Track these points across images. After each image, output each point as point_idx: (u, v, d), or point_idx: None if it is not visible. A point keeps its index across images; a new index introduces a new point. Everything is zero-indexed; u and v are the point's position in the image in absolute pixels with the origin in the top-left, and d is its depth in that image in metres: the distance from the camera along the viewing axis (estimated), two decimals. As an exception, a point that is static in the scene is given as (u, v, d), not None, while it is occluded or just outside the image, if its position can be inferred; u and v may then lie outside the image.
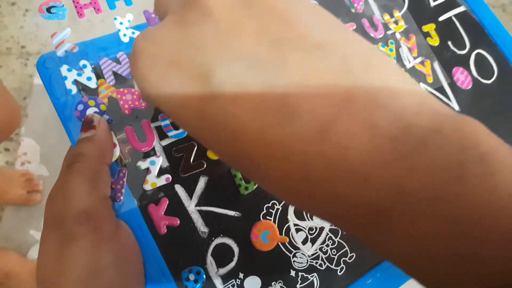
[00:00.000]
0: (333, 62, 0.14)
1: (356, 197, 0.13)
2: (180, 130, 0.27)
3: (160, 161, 0.26)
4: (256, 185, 0.27)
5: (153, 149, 0.26)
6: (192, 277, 0.24)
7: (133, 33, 0.29)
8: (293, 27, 0.15)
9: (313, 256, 0.26)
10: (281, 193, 0.16)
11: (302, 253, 0.26)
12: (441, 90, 0.34)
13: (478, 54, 0.36)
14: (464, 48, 0.36)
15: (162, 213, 0.25)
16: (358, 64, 0.15)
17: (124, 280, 0.21)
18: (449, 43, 0.36)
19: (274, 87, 0.14)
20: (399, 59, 0.34)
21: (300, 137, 0.14)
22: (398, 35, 0.35)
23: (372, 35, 0.34)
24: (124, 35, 0.29)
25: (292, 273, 0.26)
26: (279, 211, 0.27)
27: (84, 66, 0.27)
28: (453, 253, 0.12)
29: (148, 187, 0.25)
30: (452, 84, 0.34)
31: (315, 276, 0.26)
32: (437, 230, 0.12)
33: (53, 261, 0.21)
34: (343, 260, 0.27)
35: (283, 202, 0.27)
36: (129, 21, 0.29)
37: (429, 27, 0.36)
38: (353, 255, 0.27)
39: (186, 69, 0.16)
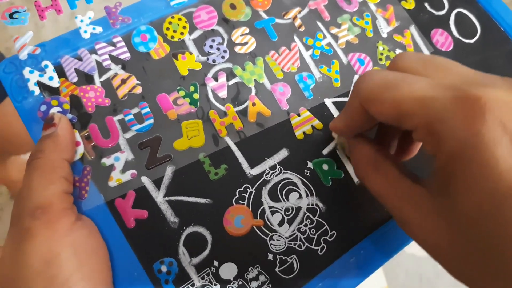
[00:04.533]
0: None
1: None
2: (144, 124, 0.25)
3: (124, 156, 0.24)
4: (227, 171, 0.25)
5: (118, 145, 0.24)
6: (164, 269, 0.22)
7: (93, 28, 0.27)
8: None
9: (291, 238, 0.24)
10: None
11: (279, 235, 0.24)
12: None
13: (458, 13, 0.33)
14: (443, 8, 0.32)
15: (130, 206, 0.23)
16: None
17: (86, 273, 0.20)
18: (426, 4, 0.32)
19: None
20: (375, 31, 0.31)
21: None
22: (373, 7, 0.31)
23: (346, 9, 0.31)
24: (85, 31, 0.27)
25: (270, 256, 0.24)
26: (253, 194, 0.25)
27: (46, 66, 0.26)
28: None
29: (113, 183, 0.23)
30: (436, 53, 0.31)
31: (295, 258, 0.24)
32: None
33: (11, 258, 0.20)
34: (324, 239, 0.24)
35: (256, 185, 0.25)
36: (89, 18, 0.28)
37: (404, -9, 0.32)
38: (333, 233, 0.25)
39: None
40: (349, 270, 0.24)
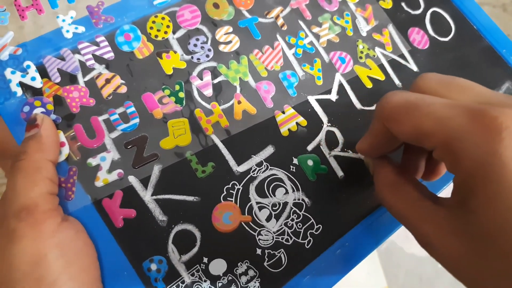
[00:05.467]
0: None
1: None
2: (129, 124, 0.25)
3: (110, 156, 0.24)
4: (214, 168, 0.25)
5: (104, 144, 0.24)
6: (154, 267, 0.22)
7: (76, 28, 0.27)
8: None
9: (279, 232, 0.24)
10: None
11: (267, 230, 0.24)
12: (401, 56, 0.31)
13: (433, 13, 0.34)
14: (419, 7, 0.33)
15: (118, 206, 0.23)
16: None
17: (74, 273, 0.20)
18: (403, 4, 0.33)
19: None
20: (355, 30, 0.31)
21: None
22: (353, 7, 0.32)
23: (327, 8, 0.31)
24: (67, 31, 0.26)
25: (258, 251, 0.24)
26: (240, 191, 0.25)
27: (28, 66, 0.25)
28: None
29: (99, 183, 0.23)
30: (413, 51, 0.32)
31: (282, 252, 0.24)
32: None
33: None
34: (310, 233, 0.25)
35: (243, 182, 0.25)
36: (71, 17, 0.27)
37: (382, -9, 0.33)
38: (319, 227, 0.25)
39: None
40: (335, 262, 0.24)
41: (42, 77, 0.25)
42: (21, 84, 0.25)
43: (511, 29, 0.51)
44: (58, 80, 0.25)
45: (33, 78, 0.25)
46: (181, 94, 0.26)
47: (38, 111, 0.24)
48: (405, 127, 0.18)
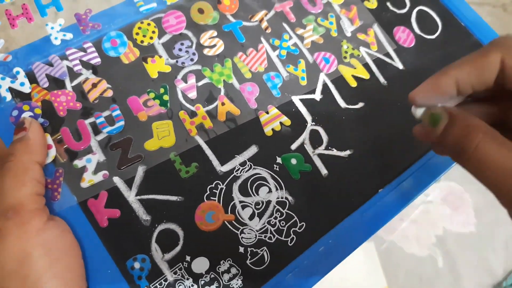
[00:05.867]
0: None
1: None
2: (115, 126, 0.25)
3: (96, 158, 0.25)
4: (198, 168, 0.25)
5: (90, 147, 0.25)
6: (137, 265, 0.23)
7: (64, 35, 0.28)
8: None
9: (262, 230, 0.25)
10: None
11: (250, 229, 0.25)
12: (386, 55, 0.32)
13: (420, 11, 0.34)
14: (404, 7, 0.34)
15: (103, 206, 0.24)
16: None
17: (58, 271, 0.20)
18: (388, 4, 0.33)
19: None
20: (340, 31, 0.32)
21: None
22: (337, 8, 0.32)
23: (311, 10, 0.32)
24: (56, 38, 0.27)
25: (241, 249, 0.24)
26: (223, 190, 0.25)
27: (18, 72, 0.26)
28: None
29: (85, 184, 0.24)
30: (399, 50, 0.32)
31: (265, 250, 0.24)
32: None
33: None
34: (293, 231, 0.25)
35: (227, 181, 0.25)
36: (60, 24, 0.28)
37: (367, -9, 0.33)
38: (303, 225, 0.25)
39: None
40: (318, 259, 0.25)
41: (31, 83, 0.26)
42: (11, 90, 0.26)
43: (511, 29, 0.51)
44: (46, 85, 0.26)
45: (22, 84, 0.26)
46: (166, 97, 0.27)
47: (26, 115, 0.25)
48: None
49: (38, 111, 0.25)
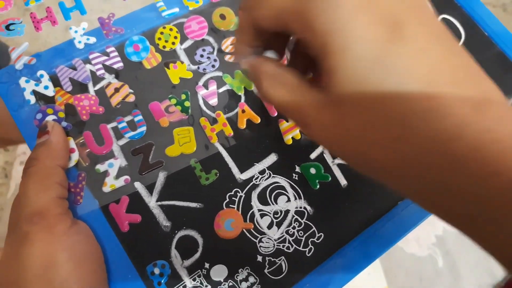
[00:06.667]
0: None
1: None
2: (137, 131, 0.26)
3: (118, 162, 0.25)
4: (217, 175, 0.25)
5: (112, 151, 0.25)
6: (157, 271, 0.23)
7: (87, 39, 0.28)
8: None
9: (280, 240, 0.25)
10: None
11: (268, 238, 0.25)
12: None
13: (443, 20, 0.33)
14: (427, 15, 0.33)
15: (124, 211, 0.24)
16: None
17: (82, 275, 0.20)
18: (411, 12, 0.33)
19: None
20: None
21: None
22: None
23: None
24: (79, 42, 0.28)
25: (259, 258, 0.24)
26: (242, 198, 0.25)
27: (42, 76, 0.26)
28: None
29: (107, 189, 0.24)
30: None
31: (283, 260, 0.24)
32: None
33: (11, 262, 0.20)
34: (311, 241, 0.25)
35: (246, 189, 0.26)
36: (83, 28, 0.28)
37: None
38: (321, 235, 0.25)
39: None
40: (336, 271, 0.25)
41: (54, 86, 0.26)
42: (35, 93, 0.26)
43: (511, 29, 0.50)
44: (70, 89, 0.26)
45: (46, 87, 0.26)
46: (187, 103, 0.27)
47: (50, 118, 0.25)
48: (265, 11, 0.17)
49: (62, 114, 0.26)
